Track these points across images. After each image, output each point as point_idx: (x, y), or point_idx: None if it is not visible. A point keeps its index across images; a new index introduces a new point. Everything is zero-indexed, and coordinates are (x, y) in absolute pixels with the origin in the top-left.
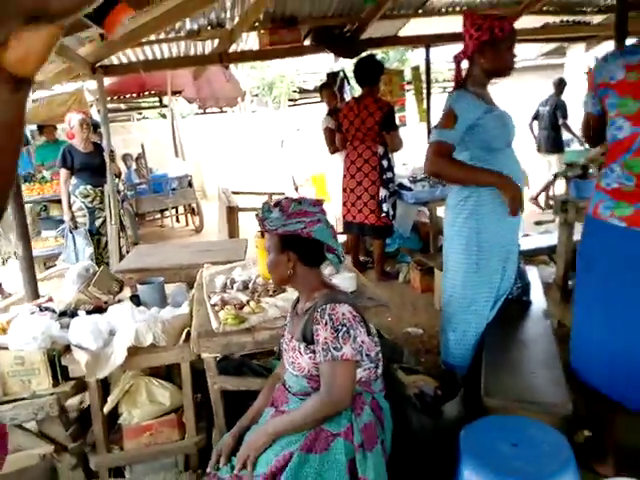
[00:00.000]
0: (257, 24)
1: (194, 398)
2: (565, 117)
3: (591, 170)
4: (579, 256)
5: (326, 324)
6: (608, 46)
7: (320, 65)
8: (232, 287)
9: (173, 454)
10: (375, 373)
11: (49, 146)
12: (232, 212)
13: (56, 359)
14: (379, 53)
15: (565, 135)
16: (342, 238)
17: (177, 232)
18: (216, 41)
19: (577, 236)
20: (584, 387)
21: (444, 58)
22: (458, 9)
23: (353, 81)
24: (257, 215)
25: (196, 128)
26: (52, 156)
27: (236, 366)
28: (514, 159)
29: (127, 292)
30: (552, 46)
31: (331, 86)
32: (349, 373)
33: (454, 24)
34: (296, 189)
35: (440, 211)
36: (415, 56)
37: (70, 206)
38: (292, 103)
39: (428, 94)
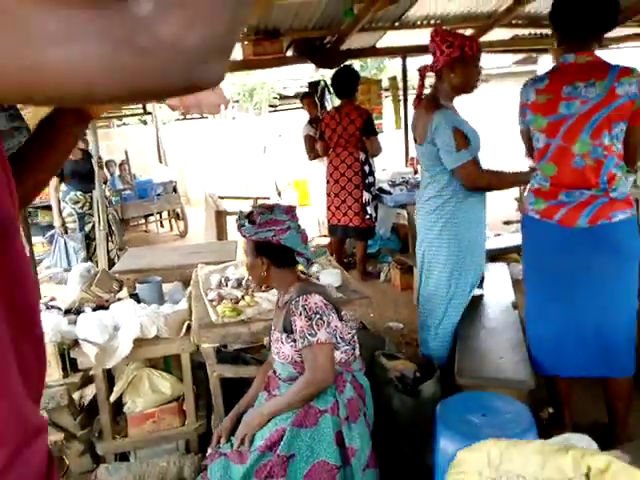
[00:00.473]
0: (241, 36)
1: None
2: None
3: None
4: (522, 250)
5: (300, 314)
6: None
7: (300, 72)
8: (227, 284)
9: (175, 439)
10: (353, 354)
11: None
12: (220, 216)
13: (65, 352)
14: (358, 61)
15: None
16: (326, 241)
17: (162, 237)
18: None
19: None
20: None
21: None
22: (432, 22)
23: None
24: (236, 221)
25: (177, 134)
26: None
27: (232, 358)
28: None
29: (125, 292)
30: (523, 55)
31: (312, 95)
32: (327, 354)
33: (428, 37)
34: (279, 194)
35: None
36: (393, 64)
37: (60, 212)
38: (273, 109)
39: (405, 102)
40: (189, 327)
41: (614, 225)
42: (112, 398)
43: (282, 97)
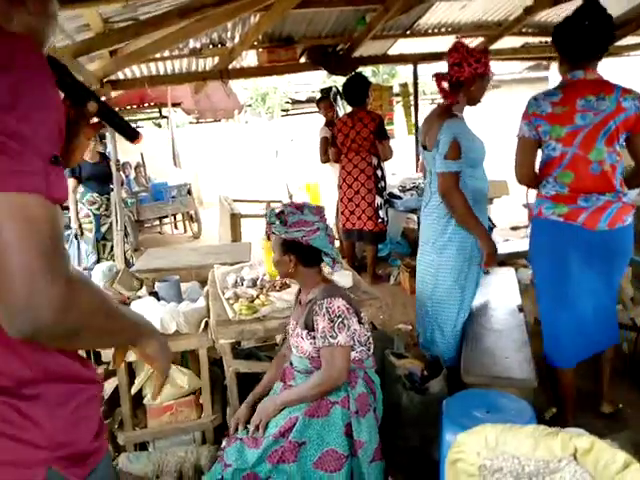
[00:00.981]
0: (256, 43)
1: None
2: None
3: None
4: (531, 250)
5: (324, 315)
6: None
7: (312, 78)
8: (242, 284)
9: (191, 431)
10: (367, 354)
11: None
12: (235, 218)
13: None
14: (370, 67)
15: None
16: (336, 244)
17: (176, 238)
18: (217, 58)
19: None
20: (552, 373)
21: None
22: (444, 30)
23: None
24: (265, 218)
25: (191, 138)
26: None
27: (245, 355)
28: (485, 174)
29: (144, 290)
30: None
31: (328, 98)
32: (344, 356)
33: (439, 44)
34: (290, 197)
35: None
36: (404, 70)
37: (77, 213)
38: (284, 113)
39: (416, 109)
40: (207, 324)
41: (627, 228)
42: (133, 390)
43: (294, 102)
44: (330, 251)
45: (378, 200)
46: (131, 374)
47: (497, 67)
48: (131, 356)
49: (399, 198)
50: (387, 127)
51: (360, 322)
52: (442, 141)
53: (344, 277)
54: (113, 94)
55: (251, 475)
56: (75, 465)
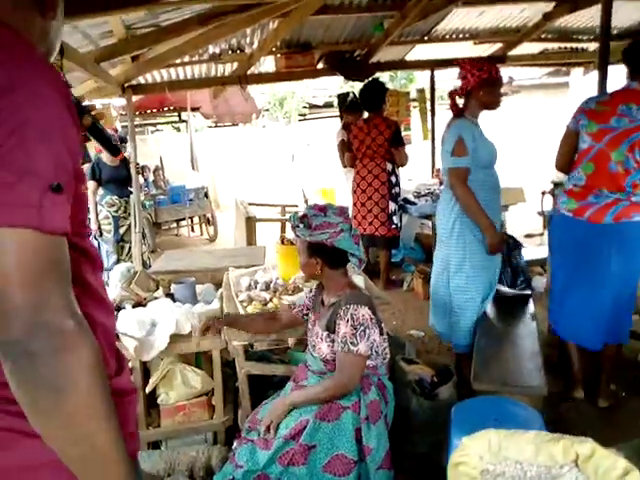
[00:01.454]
0: (274, 49)
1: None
2: None
3: None
4: (549, 242)
5: (347, 321)
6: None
7: (329, 82)
8: (256, 287)
9: (203, 431)
10: (382, 362)
11: None
12: (250, 222)
13: None
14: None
15: None
16: None
17: (192, 241)
18: (235, 64)
19: None
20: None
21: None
22: (461, 36)
23: None
24: (290, 222)
25: (209, 141)
26: None
27: (258, 357)
28: (497, 176)
29: (161, 291)
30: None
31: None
32: (360, 366)
33: (457, 49)
34: (306, 202)
35: None
36: (422, 75)
37: (97, 215)
38: (302, 118)
39: (432, 115)
40: None
41: (633, 223)
42: (147, 390)
43: (311, 106)
44: (356, 251)
45: (392, 206)
46: (145, 373)
47: (516, 73)
48: (145, 356)
49: (413, 204)
50: (404, 133)
51: (381, 333)
52: (448, 139)
53: (356, 281)
54: (134, 98)
55: (262, 476)
56: None
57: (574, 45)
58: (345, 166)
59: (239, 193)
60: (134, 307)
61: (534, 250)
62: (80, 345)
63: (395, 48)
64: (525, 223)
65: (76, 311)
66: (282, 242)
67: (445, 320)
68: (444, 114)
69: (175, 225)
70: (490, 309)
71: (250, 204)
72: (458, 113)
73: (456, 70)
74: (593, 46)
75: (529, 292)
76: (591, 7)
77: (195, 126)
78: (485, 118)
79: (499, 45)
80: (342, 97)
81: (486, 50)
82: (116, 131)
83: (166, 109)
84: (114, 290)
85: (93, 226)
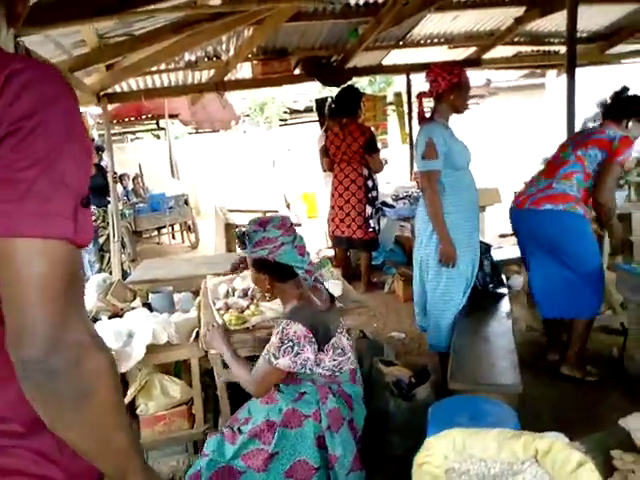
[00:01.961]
0: (250, 55)
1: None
2: None
3: None
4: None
5: (277, 334)
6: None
7: (309, 87)
8: (233, 294)
9: (184, 441)
10: (339, 370)
11: None
12: (229, 229)
13: None
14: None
15: None
16: (331, 252)
17: (173, 249)
18: (212, 71)
19: None
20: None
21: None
22: (436, 40)
23: None
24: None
25: (189, 148)
26: None
27: None
28: (472, 177)
29: (138, 301)
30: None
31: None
32: (273, 379)
33: (432, 54)
34: (287, 206)
35: None
36: (400, 78)
37: None
38: (283, 123)
39: (410, 118)
40: (198, 334)
41: (541, 211)
42: (125, 401)
43: (292, 111)
44: (300, 264)
45: (369, 209)
46: (124, 384)
47: (493, 75)
48: (123, 367)
49: (392, 207)
50: (380, 136)
51: (321, 350)
52: (419, 142)
53: (333, 286)
54: (110, 107)
55: (227, 468)
56: None
57: (546, 48)
58: (325, 170)
59: (220, 199)
60: (110, 318)
61: (510, 249)
62: (98, 354)
63: (371, 53)
64: (501, 223)
65: (90, 324)
66: None
67: (422, 311)
68: None
69: (156, 233)
70: (467, 309)
71: (230, 210)
72: (425, 119)
73: None
74: (564, 49)
75: (505, 291)
76: (560, 11)
77: (175, 133)
78: (463, 120)
79: (474, 49)
80: (320, 102)
81: (461, 54)
82: (92, 140)
83: (144, 117)
84: (90, 301)
85: None
